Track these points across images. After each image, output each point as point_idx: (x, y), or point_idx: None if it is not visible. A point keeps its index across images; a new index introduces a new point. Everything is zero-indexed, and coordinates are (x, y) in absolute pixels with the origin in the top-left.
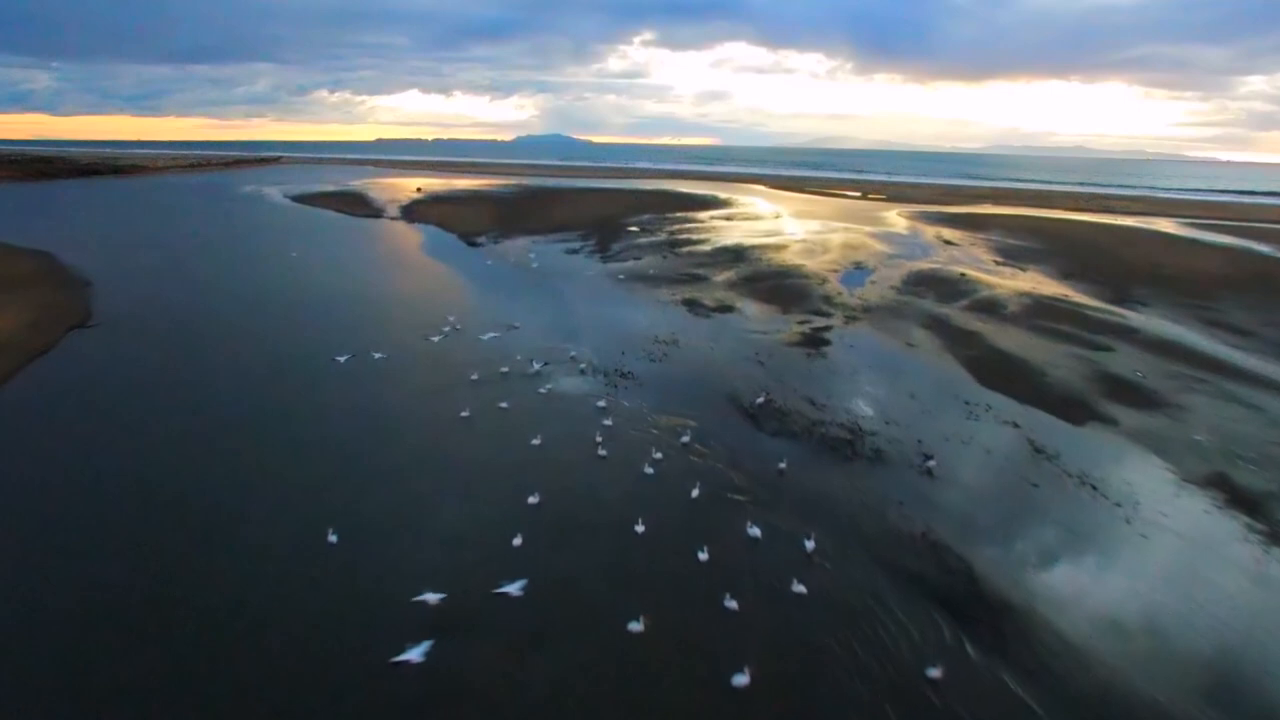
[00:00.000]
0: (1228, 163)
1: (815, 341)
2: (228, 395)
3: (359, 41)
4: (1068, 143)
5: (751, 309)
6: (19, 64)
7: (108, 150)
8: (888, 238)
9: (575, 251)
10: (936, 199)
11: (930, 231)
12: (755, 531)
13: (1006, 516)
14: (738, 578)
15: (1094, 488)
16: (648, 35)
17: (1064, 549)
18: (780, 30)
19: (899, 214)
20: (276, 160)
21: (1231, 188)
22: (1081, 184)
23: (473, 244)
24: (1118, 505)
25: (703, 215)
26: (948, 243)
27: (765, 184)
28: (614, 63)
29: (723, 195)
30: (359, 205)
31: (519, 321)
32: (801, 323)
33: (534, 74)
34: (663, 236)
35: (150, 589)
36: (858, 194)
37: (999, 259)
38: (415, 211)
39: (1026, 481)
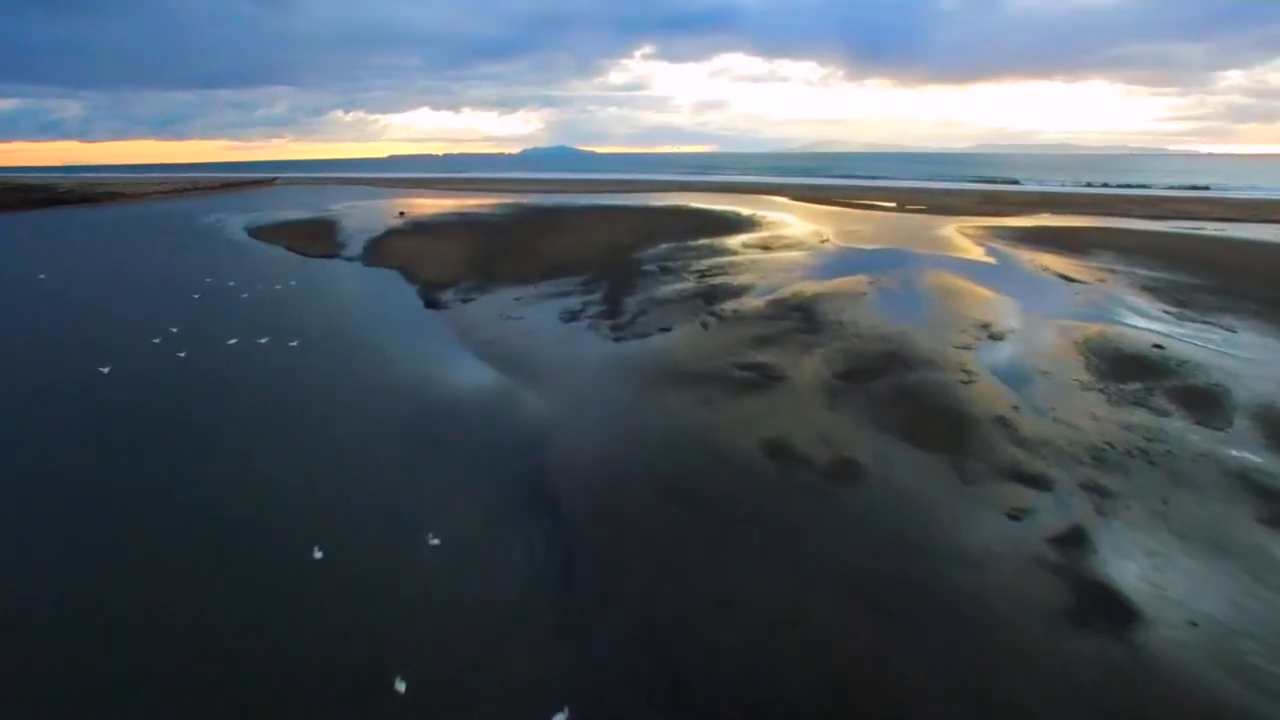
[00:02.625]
0: (1208, 155)
1: (1105, 611)
2: None
3: (372, 63)
4: (1052, 140)
5: (892, 466)
6: (52, 94)
7: (108, 175)
8: (981, 273)
9: (575, 315)
10: (983, 209)
11: (1024, 258)
12: None
13: None
14: None
15: None
16: (648, 49)
17: None
18: (775, 40)
19: (959, 231)
20: (271, 182)
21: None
22: (1105, 185)
23: (435, 304)
24: None
25: (733, 242)
26: (1064, 277)
27: (786, 195)
28: (615, 76)
29: (746, 212)
30: (320, 239)
31: (445, 534)
32: (1016, 515)
33: (539, 89)
34: (692, 281)
35: None
36: (892, 204)
37: (1164, 305)
38: (382, 247)
39: None
